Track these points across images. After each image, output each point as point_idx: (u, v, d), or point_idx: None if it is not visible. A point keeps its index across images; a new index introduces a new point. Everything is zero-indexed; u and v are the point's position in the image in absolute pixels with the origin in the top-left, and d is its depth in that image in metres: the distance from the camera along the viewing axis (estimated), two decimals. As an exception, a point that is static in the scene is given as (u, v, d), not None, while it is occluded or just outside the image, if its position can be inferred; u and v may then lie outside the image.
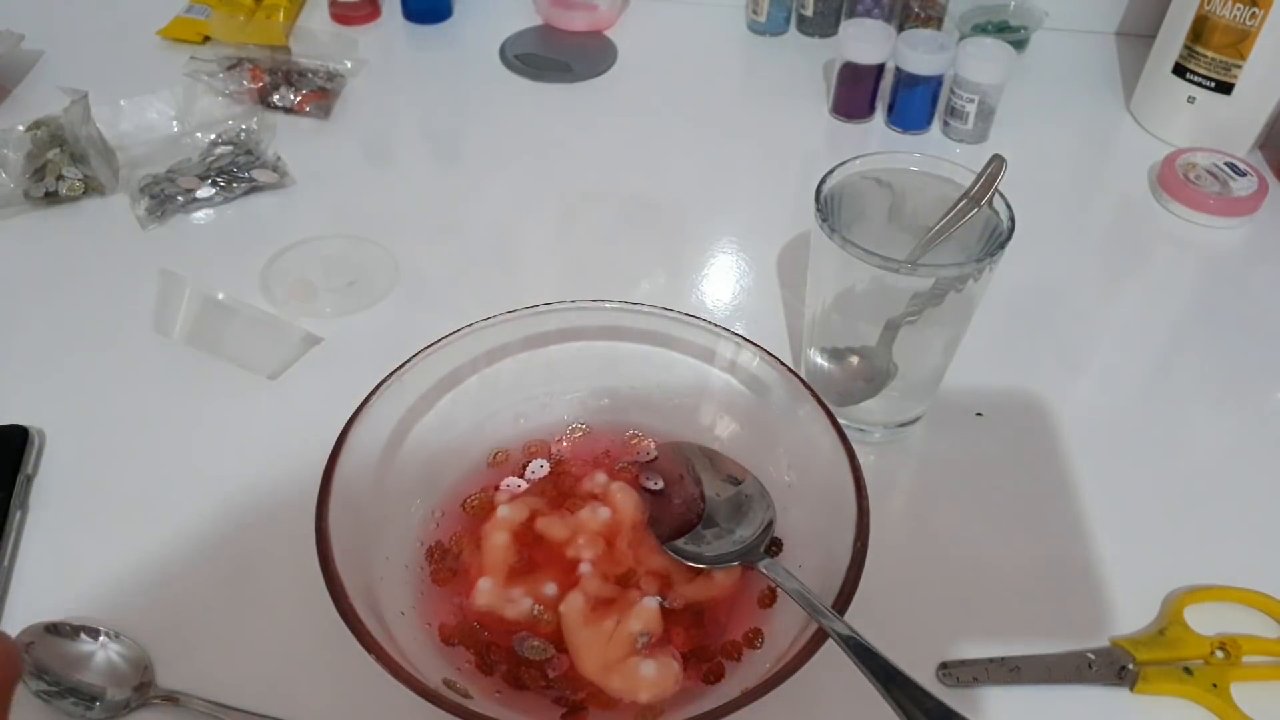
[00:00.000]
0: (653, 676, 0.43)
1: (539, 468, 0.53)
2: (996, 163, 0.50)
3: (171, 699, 0.44)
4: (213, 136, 0.77)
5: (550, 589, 0.46)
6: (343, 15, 0.94)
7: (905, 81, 0.80)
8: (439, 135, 0.84)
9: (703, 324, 0.51)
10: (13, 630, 0.45)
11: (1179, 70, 0.79)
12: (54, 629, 0.45)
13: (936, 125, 0.83)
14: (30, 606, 0.48)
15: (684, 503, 0.50)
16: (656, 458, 0.52)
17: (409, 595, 0.46)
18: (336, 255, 0.69)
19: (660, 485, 0.50)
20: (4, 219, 0.70)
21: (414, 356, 0.49)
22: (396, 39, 0.93)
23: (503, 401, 0.53)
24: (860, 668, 0.37)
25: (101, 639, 0.45)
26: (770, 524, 0.47)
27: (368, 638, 0.38)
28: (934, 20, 0.91)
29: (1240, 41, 0.75)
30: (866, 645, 0.38)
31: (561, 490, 0.51)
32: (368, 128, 0.82)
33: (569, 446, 0.53)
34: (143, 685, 0.44)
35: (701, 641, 0.45)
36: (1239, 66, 0.76)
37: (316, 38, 0.91)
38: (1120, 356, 0.65)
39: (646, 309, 0.52)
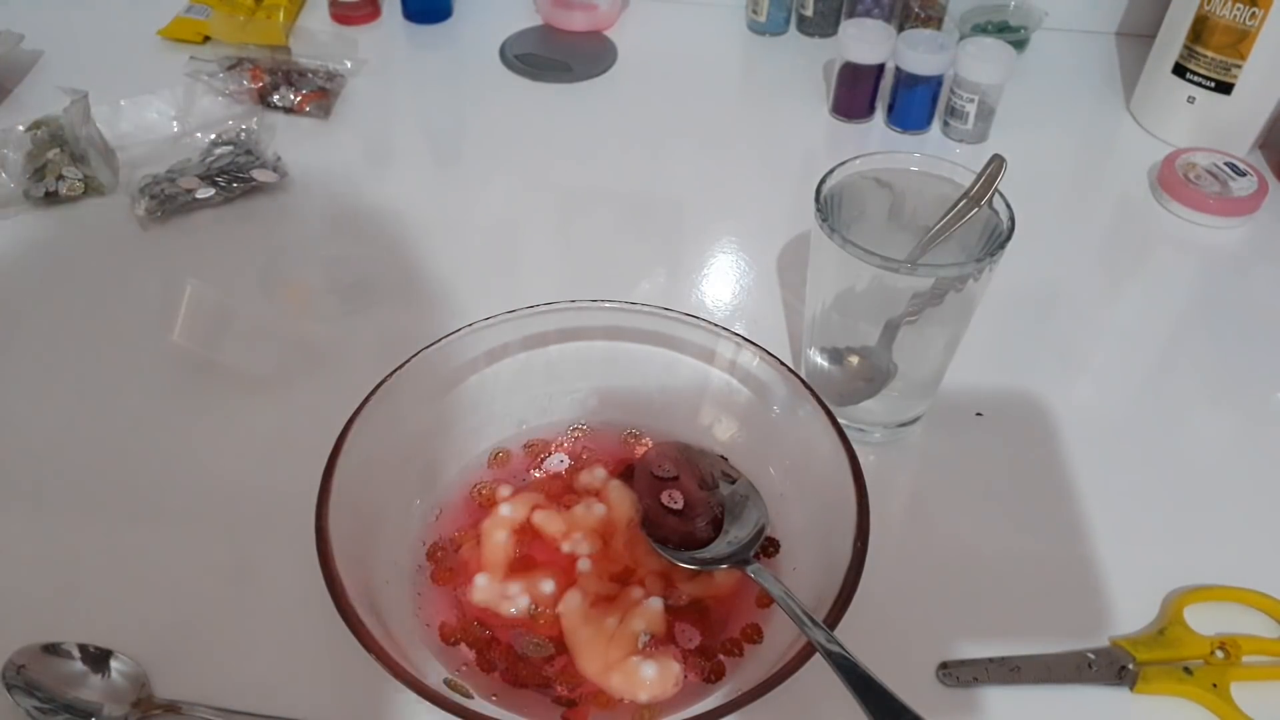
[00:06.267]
0: (653, 676, 0.43)
1: (558, 462, 0.53)
2: (996, 163, 0.50)
3: (173, 709, 0.44)
4: (213, 136, 0.77)
5: (548, 586, 0.46)
6: (343, 15, 0.94)
7: (905, 81, 0.80)
8: (439, 135, 0.84)
9: (703, 324, 0.51)
10: (5, 652, 0.44)
11: (1179, 70, 0.79)
12: (50, 649, 0.44)
13: (936, 125, 0.83)
14: (25, 625, 0.46)
15: (706, 522, 0.49)
16: (678, 477, 0.51)
17: (409, 595, 0.46)
18: (336, 255, 0.69)
19: (680, 505, 0.50)
20: (4, 219, 0.70)
21: (414, 356, 0.49)
22: (396, 39, 0.93)
23: (503, 402, 0.53)
24: (841, 678, 0.37)
25: (96, 656, 0.45)
26: (762, 528, 0.48)
27: (368, 638, 0.38)
28: (934, 20, 0.91)
29: (1240, 41, 0.75)
30: (848, 656, 0.37)
31: (563, 486, 0.51)
32: (368, 128, 0.82)
33: (569, 446, 0.53)
34: (140, 700, 0.44)
35: (704, 639, 0.45)
36: (1239, 66, 0.76)
37: (316, 38, 0.91)
38: (1120, 356, 0.65)
39: (646, 309, 0.52)
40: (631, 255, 0.71)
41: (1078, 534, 0.53)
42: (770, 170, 0.80)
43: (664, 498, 0.50)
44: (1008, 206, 0.50)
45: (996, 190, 0.50)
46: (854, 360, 0.54)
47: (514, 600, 0.46)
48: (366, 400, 0.46)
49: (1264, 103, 0.78)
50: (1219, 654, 0.47)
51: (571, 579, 0.47)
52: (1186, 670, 0.46)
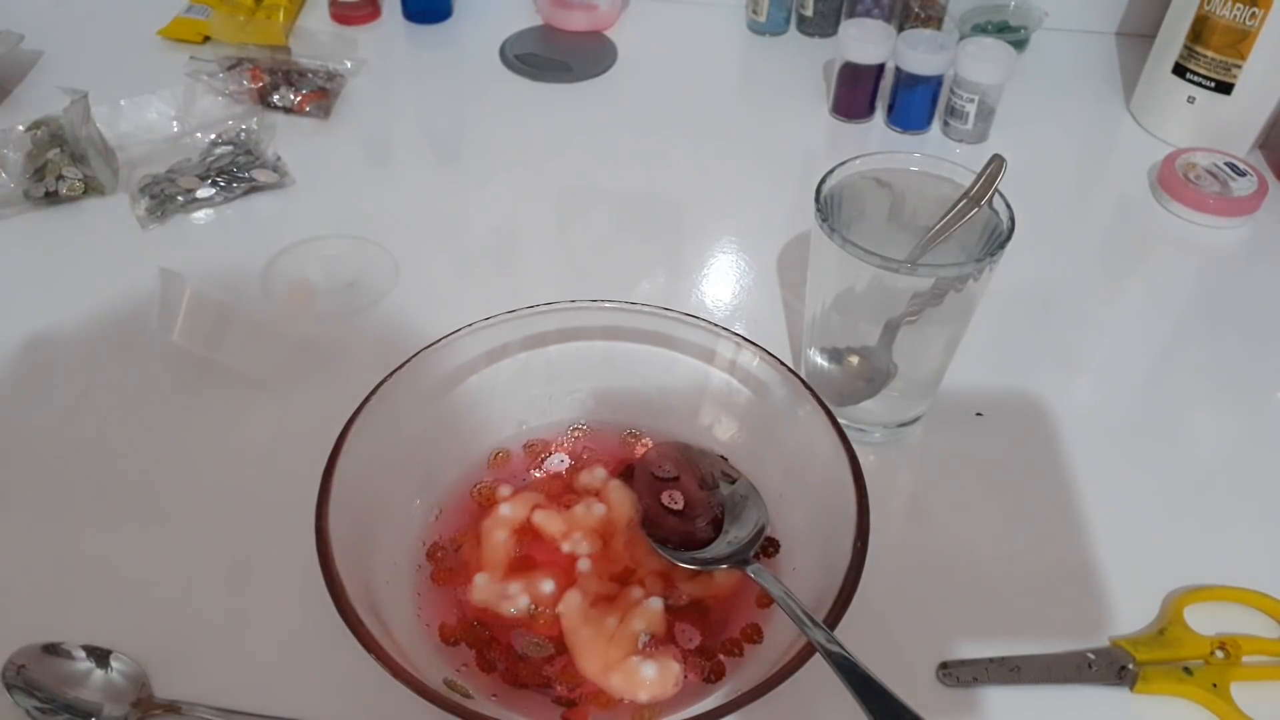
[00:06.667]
0: (653, 676, 0.43)
1: (559, 461, 0.53)
2: (996, 163, 0.50)
3: (173, 709, 0.44)
4: (213, 136, 0.77)
5: (548, 586, 0.46)
6: (343, 15, 0.94)
7: (905, 81, 0.80)
8: (439, 135, 0.84)
9: (703, 324, 0.51)
10: (5, 652, 0.44)
11: (1179, 70, 0.79)
12: (50, 649, 0.44)
13: (936, 125, 0.83)
14: (25, 625, 0.46)
15: (706, 522, 0.49)
16: (678, 477, 0.51)
17: (409, 595, 0.46)
18: (336, 255, 0.69)
19: (680, 506, 0.50)
20: (4, 219, 0.70)
21: (414, 356, 0.49)
22: (396, 39, 0.93)
23: (503, 402, 0.53)
24: (841, 678, 0.37)
25: (97, 656, 0.45)
26: (762, 528, 0.47)
27: (368, 638, 0.38)
28: (934, 20, 0.91)
29: (1240, 41, 0.75)
30: (848, 656, 0.38)
31: (563, 486, 0.51)
32: (368, 128, 0.82)
33: (569, 446, 0.53)
34: (140, 700, 0.44)
35: (704, 639, 0.45)
36: (1239, 66, 0.76)
37: (316, 38, 0.91)
38: (1120, 356, 0.65)
39: (646, 309, 0.52)
40: (631, 255, 0.71)
41: (1078, 534, 0.53)
42: (770, 170, 0.80)
43: (664, 498, 0.50)
44: (1008, 206, 0.50)
45: (996, 190, 0.50)
46: (854, 360, 0.54)
47: (514, 600, 0.46)
48: (366, 400, 0.46)
49: (1264, 103, 0.78)
50: (1219, 654, 0.47)
51: (571, 579, 0.47)
52: (1186, 670, 0.46)
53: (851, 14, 0.93)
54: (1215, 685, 0.46)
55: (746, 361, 0.51)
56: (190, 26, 0.89)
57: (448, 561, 0.48)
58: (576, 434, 0.54)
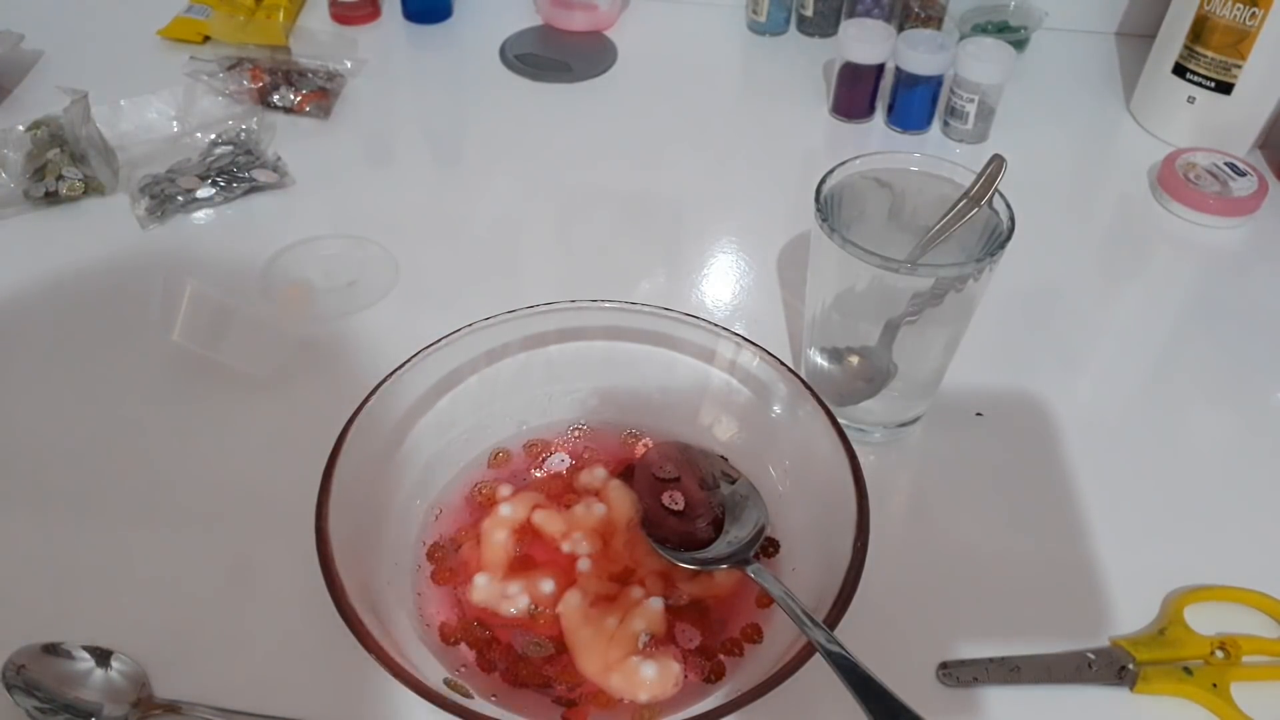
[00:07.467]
0: (653, 677, 0.43)
1: (559, 461, 0.53)
2: (996, 163, 0.50)
3: (173, 709, 0.44)
4: (213, 136, 0.77)
5: (548, 586, 0.46)
6: (343, 15, 0.94)
7: (905, 81, 0.80)
8: (439, 135, 0.84)
9: (703, 324, 0.51)
10: (5, 652, 0.44)
11: (1179, 70, 0.79)
12: (50, 649, 0.44)
13: (936, 125, 0.83)
14: (25, 625, 0.46)
15: (706, 522, 0.49)
16: (678, 478, 0.51)
17: (409, 595, 0.46)
18: (336, 255, 0.69)
19: (681, 506, 0.50)
20: (4, 219, 0.70)
21: (414, 356, 0.49)
22: (396, 39, 0.93)
23: (503, 402, 0.53)
24: (841, 678, 0.37)
25: (97, 656, 0.45)
26: (762, 528, 0.47)
27: (368, 638, 0.38)
28: (934, 20, 0.91)
29: (1240, 41, 0.75)
30: (848, 656, 0.38)
31: (563, 485, 0.51)
32: (368, 128, 0.82)
33: (569, 446, 0.53)
34: (140, 700, 0.44)
35: (704, 639, 0.45)
36: (1239, 66, 0.76)
37: (316, 38, 0.91)
38: (1120, 356, 0.65)
39: (646, 309, 0.52)
40: (631, 255, 0.71)
41: (1078, 534, 0.53)
42: (770, 170, 0.80)
43: (664, 498, 0.50)
44: (1008, 206, 0.50)
45: (996, 190, 0.50)
46: (854, 360, 0.54)
47: (514, 600, 0.46)
48: (366, 400, 0.46)
49: (1264, 103, 0.78)
50: (1219, 654, 0.47)
51: (571, 579, 0.47)
52: (1186, 670, 0.46)
53: (851, 14, 0.93)
54: (1215, 685, 0.46)
55: (746, 361, 0.51)
56: (190, 26, 0.89)
57: (448, 561, 0.48)
58: (577, 434, 0.54)
